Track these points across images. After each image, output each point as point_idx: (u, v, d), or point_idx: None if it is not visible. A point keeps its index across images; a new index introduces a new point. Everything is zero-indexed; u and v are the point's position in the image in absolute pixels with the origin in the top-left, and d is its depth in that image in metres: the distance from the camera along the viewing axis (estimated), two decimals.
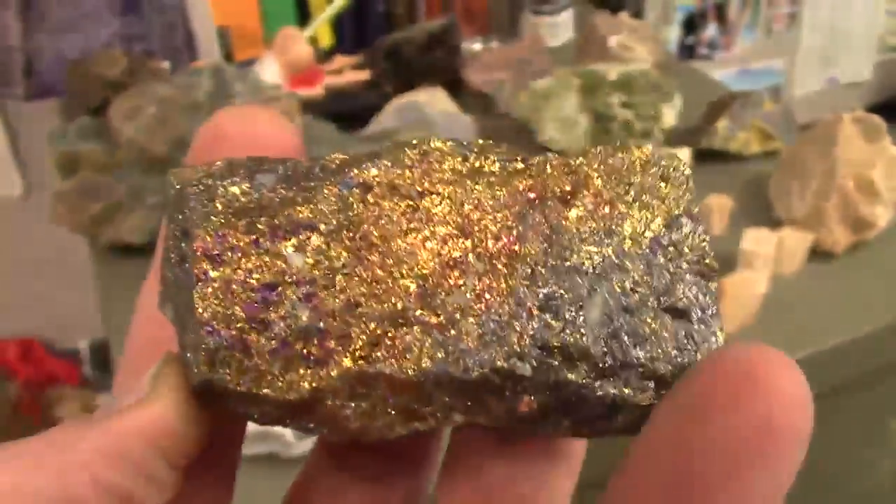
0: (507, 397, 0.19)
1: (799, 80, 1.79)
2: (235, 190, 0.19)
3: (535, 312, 0.19)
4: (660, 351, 0.19)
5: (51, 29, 1.09)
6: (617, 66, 1.03)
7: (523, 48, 1.14)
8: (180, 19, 1.15)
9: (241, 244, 0.18)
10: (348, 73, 1.07)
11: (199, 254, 0.18)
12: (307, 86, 1.04)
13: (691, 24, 1.66)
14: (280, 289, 0.18)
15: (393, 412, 0.18)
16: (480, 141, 0.21)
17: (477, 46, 1.21)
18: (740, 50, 1.71)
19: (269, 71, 1.03)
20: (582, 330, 0.19)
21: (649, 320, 0.19)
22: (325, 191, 0.19)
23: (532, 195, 0.20)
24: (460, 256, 0.19)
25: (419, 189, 0.20)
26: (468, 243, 0.19)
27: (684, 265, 0.20)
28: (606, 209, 0.20)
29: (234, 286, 0.18)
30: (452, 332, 0.18)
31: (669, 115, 0.97)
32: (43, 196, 1.19)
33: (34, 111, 1.21)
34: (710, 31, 1.68)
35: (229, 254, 0.18)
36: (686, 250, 0.20)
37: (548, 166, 0.20)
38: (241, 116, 0.22)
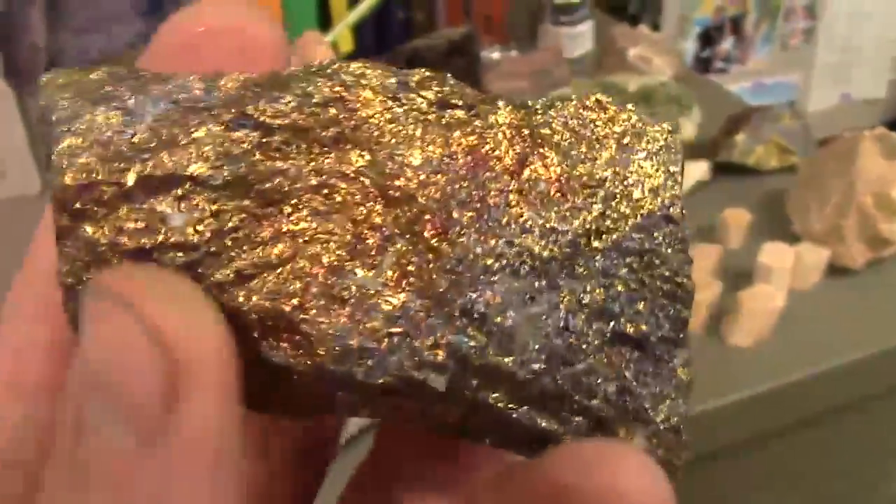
0: (420, 404, 0.16)
1: (814, 95, 1.79)
2: (106, 119, 0.15)
3: (457, 317, 0.15)
4: (600, 388, 0.16)
5: (74, 28, 1.09)
6: (636, 77, 1.03)
7: (542, 58, 1.14)
8: None
9: (108, 197, 0.15)
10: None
11: (58, 205, 0.15)
12: None
13: (707, 38, 1.66)
14: (156, 254, 0.15)
15: (295, 398, 0.16)
16: (420, 72, 0.17)
17: (496, 55, 1.22)
18: (755, 64, 1.72)
19: None
20: (510, 348, 0.15)
21: (594, 346, 0.16)
22: (216, 130, 0.15)
23: (471, 160, 0.16)
24: (379, 227, 0.15)
25: (333, 135, 0.16)
26: (390, 212, 0.16)
27: (650, 281, 0.16)
28: (562, 193, 0.16)
29: (100, 249, 0.15)
30: (357, 323, 0.15)
31: (689, 128, 0.97)
32: None
33: None
34: (727, 44, 1.68)
35: (94, 208, 0.15)
36: (656, 262, 0.16)
37: (498, 120, 0.16)
38: (229, 8, 0.17)
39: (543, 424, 0.16)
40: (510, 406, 0.15)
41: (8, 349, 0.17)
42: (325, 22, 1.22)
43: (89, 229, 0.15)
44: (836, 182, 0.82)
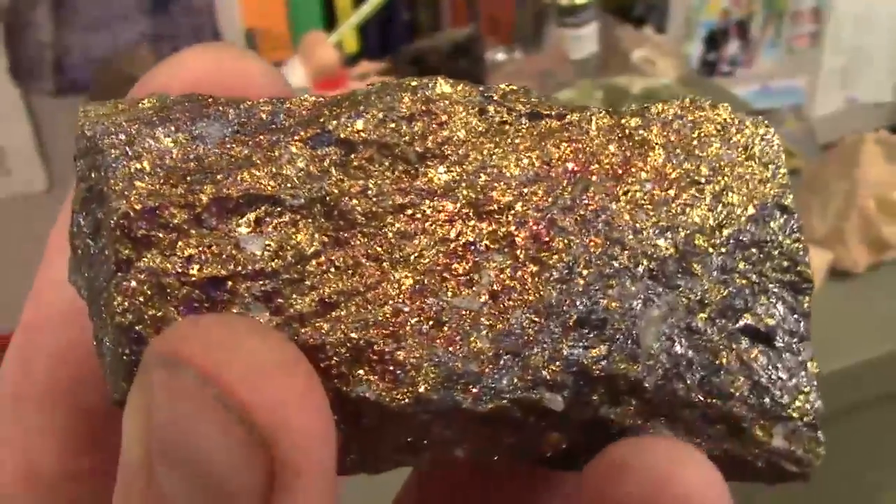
0: (527, 433, 0.14)
1: (820, 99, 1.79)
2: (169, 142, 0.14)
3: (572, 327, 0.14)
4: (733, 387, 0.15)
5: (81, 26, 1.10)
6: (640, 79, 1.03)
7: (547, 59, 1.14)
8: (209, 21, 1.17)
9: (177, 221, 0.14)
10: (373, 78, 1.08)
11: (119, 233, 0.13)
12: (332, 89, 1.05)
13: (713, 41, 1.66)
14: (230, 284, 0.14)
15: (378, 444, 0.14)
16: (503, 86, 0.16)
17: (500, 56, 1.22)
18: (761, 68, 1.72)
19: (296, 74, 1.04)
20: (635, 354, 0.14)
21: (721, 345, 0.15)
22: (293, 149, 0.14)
23: (571, 166, 0.15)
24: (473, 244, 0.15)
25: (419, 150, 0.15)
26: (484, 227, 0.15)
27: (771, 272, 0.15)
28: (671, 191, 0.15)
29: (166, 280, 0.13)
30: (460, 347, 0.14)
31: None
32: (67, 192, 1.20)
33: (59, 107, 1.22)
34: (732, 47, 1.68)
35: (160, 234, 0.14)
36: (774, 253, 0.16)
37: (593, 126, 0.16)
38: (220, 55, 0.16)
39: (674, 437, 0.15)
40: (637, 422, 0.14)
41: (19, 439, 0.16)
42: (329, 22, 1.22)
43: (155, 259, 0.13)
44: (838, 185, 0.82)
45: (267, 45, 1.22)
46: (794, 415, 0.15)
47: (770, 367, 0.15)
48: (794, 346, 0.15)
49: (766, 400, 0.15)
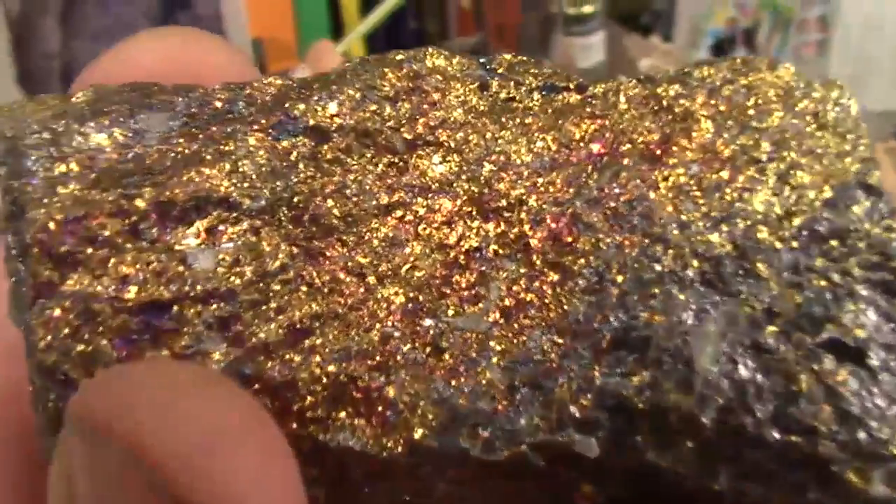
0: (554, 487, 0.11)
1: None
2: (102, 139, 0.12)
3: (605, 350, 0.11)
4: (815, 418, 0.12)
5: (89, 36, 1.10)
6: None
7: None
8: (216, 30, 1.17)
9: (109, 234, 0.11)
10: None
11: (37, 251, 0.11)
12: None
13: (720, 49, 1.66)
14: (176, 309, 0.11)
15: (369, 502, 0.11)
16: (508, 56, 0.13)
17: None
18: None
19: None
20: (688, 381, 0.11)
21: (798, 365, 0.12)
22: (252, 141, 0.12)
23: (596, 148, 0.13)
24: (478, 250, 0.12)
25: (407, 136, 0.12)
26: (490, 228, 0.12)
27: (858, 270, 0.12)
28: (724, 173, 0.13)
29: (97, 306, 0.11)
30: (465, 379, 0.11)
31: None
32: None
33: None
34: (739, 56, 1.68)
35: (89, 250, 0.11)
36: (860, 245, 0.13)
37: (621, 98, 0.13)
38: (171, 40, 0.14)
39: (744, 488, 0.11)
40: (688, 469, 0.11)
41: None
42: (337, 31, 1.22)
43: (83, 280, 0.11)
44: None
45: (274, 54, 1.22)
46: None
47: (863, 393, 0.12)
48: (892, 364, 0.12)
49: (861, 435, 0.12)
